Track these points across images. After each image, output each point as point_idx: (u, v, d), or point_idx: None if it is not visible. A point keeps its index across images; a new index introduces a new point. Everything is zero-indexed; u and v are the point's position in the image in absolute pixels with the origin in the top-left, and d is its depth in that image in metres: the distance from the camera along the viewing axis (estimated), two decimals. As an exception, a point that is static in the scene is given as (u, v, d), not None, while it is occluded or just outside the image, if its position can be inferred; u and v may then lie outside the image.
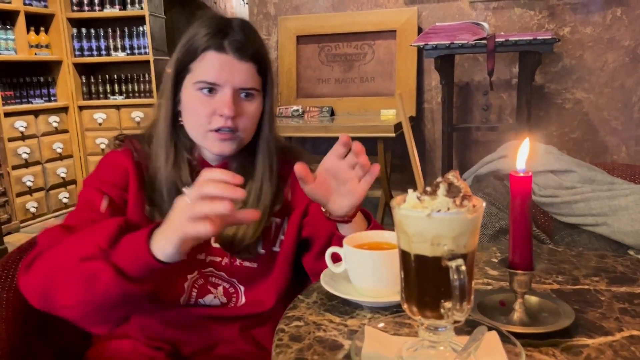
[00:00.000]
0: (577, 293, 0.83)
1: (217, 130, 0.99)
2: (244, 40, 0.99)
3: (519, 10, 3.12)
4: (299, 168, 0.88)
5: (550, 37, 2.57)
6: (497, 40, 2.61)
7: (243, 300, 1.03)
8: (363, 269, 0.82)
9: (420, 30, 3.21)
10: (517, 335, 0.65)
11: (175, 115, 1.03)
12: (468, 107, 3.31)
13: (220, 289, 1.02)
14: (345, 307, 0.81)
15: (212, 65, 0.98)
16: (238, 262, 1.02)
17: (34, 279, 0.83)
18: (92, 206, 0.96)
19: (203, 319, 1.01)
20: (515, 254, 0.72)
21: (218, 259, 1.02)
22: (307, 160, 1.02)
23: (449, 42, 2.67)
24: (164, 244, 0.75)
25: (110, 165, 1.02)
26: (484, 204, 0.58)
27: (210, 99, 0.98)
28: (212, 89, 0.98)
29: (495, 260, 0.98)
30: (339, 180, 0.90)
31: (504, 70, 3.18)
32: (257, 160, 1.05)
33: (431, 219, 0.55)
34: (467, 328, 0.69)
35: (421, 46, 2.75)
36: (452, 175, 0.57)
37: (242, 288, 1.03)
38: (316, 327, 0.75)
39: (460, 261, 0.53)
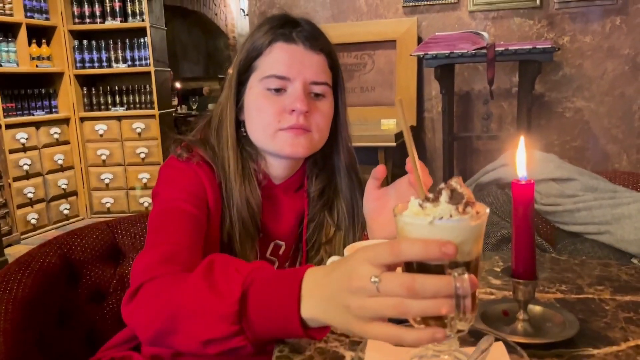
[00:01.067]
0: (581, 302, 0.82)
1: (288, 129, 0.89)
2: (313, 31, 0.92)
3: (518, 20, 3.13)
4: (382, 168, 0.83)
5: (549, 45, 2.58)
6: (496, 49, 2.62)
7: None
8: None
9: (420, 40, 3.22)
10: (521, 346, 0.64)
11: (238, 123, 0.95)
12: (469, 116, 3.31)
13: None
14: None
15: (282, 57, 0.90)
16: None
17: (147, 315, 0.68)
18: (179, 222, 0.83)
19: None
20: (518, 263, 0.71)
21: None
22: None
23: (448, 51, 2.67)
24: (320, 322, 0.58)
25: (183, 173, 0.90)
26: (488, 210, 0.57)
27: (279, 97, 0.90)
28: (279, 89, 0.90)
29: (498, 269, 0.97)
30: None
31: (504, 79, 3.18)
32: (339, 173, 0.96)
33: (433, 226, 0.54)
34: (470, 338, 0.68)
35: (421, 56, 2.75)
36: (455, 182, 0.56)
37: None
38: (318, 337, 0.74)
39: (462, 269, 0.52)
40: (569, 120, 3.16)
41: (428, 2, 3.23)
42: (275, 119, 0.90)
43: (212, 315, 0.61)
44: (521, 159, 0.71)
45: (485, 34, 2.79)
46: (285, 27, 0.91)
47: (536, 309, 0.76)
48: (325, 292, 0.56)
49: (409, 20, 3.26)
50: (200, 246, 0.83)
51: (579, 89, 3.11)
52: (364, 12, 3.38)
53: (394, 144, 2.77)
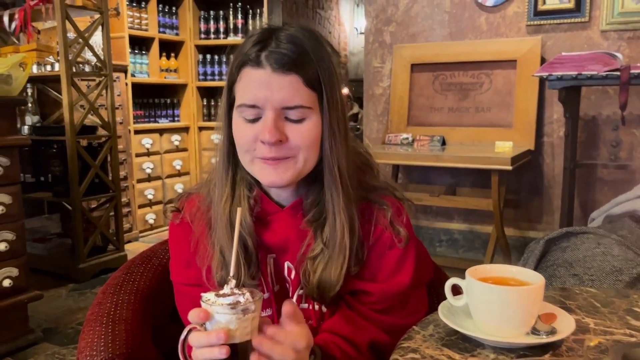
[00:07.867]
0: None
1: (262, 159, 0.86)
2: (286, 50, 0.83)
3: (657, 41, 2.87)
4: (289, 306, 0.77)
5: (696, 69, 2.33)
6: (632, 71, 2.41)
7: None
8: (488, 305, 0.75)
9: (543, 60, 3.05)
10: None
11: (234, 147, 0.90)
12: (594, 142, 3.08)
13: None
14: (464, 344, 0.75)
15: (249, 84, 0.84)
16: None
17: None
18: (185, 306, 0.94)
19: None
20: (673, 304, 0.62)
21: None
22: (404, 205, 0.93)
23: (576, 72, 2.50)
24: None
25: (172, 242, 0.99)
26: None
27: (254, 125, 0.85)
28: (254, 119, 0.85)
29: (638, 310, 0.87)
30: None
31: (637, 105, 2.92)
32: (325, 192, 0.88)
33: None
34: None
35: (544, 77, 2.61)
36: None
37: None
38: (434, 362, 0.70)
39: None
40: None
41: (555, 21, 3.06)
42: (252, 146, 0.86)
43: None
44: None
45: (619, 55, 2.58)
46: (255, 48, 0.84)
47: (690, 359, 0.66)
48: None
49: (532, 39, 3.10)
50: None
51: None
52: (483, 30, 3.27)
53: (509, 168, 2.63)
